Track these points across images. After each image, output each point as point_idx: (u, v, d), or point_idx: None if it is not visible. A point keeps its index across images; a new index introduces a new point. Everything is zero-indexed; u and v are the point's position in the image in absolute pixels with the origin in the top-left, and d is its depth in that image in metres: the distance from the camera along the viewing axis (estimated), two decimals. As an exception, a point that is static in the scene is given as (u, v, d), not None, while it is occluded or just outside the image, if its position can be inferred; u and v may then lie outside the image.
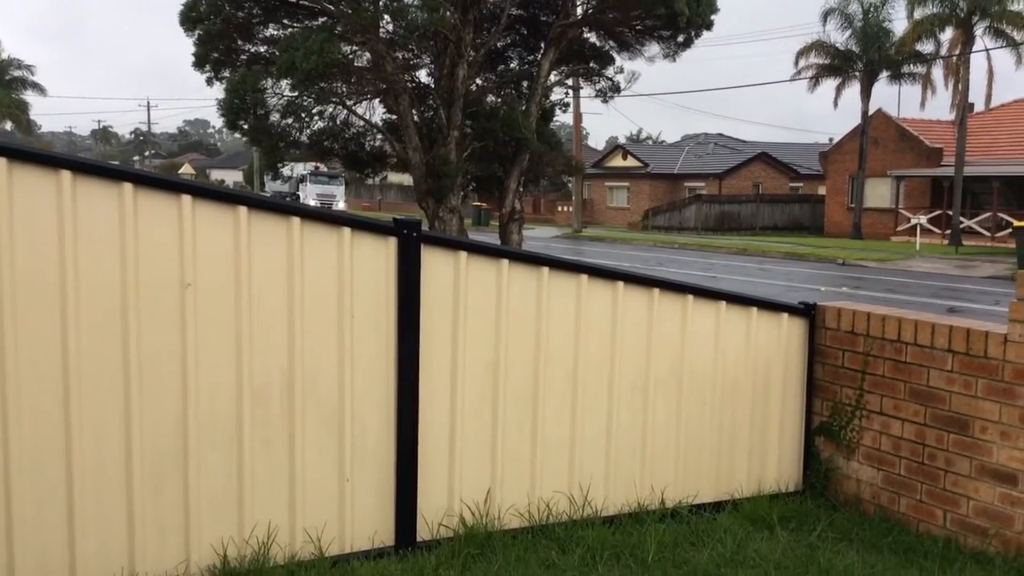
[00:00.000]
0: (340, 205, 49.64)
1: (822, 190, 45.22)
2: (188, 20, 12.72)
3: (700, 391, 4.97)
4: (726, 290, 5.12)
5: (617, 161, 55.42)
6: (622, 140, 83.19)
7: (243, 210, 3.77)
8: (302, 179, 48.19)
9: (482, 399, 4.36)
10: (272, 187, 57.17)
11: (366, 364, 4.07)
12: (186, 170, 30.55)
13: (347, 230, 3.98)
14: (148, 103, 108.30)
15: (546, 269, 4.47)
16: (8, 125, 62.86)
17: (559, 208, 51.45)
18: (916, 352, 4.70)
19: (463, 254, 4.25)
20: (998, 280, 22.23)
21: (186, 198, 3.67)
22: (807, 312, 5.24)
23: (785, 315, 5.20)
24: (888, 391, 4.86)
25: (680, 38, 14.93)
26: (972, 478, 4.45)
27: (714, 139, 57.37)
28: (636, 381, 4.78)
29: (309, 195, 48.54)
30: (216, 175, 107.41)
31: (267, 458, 3.90)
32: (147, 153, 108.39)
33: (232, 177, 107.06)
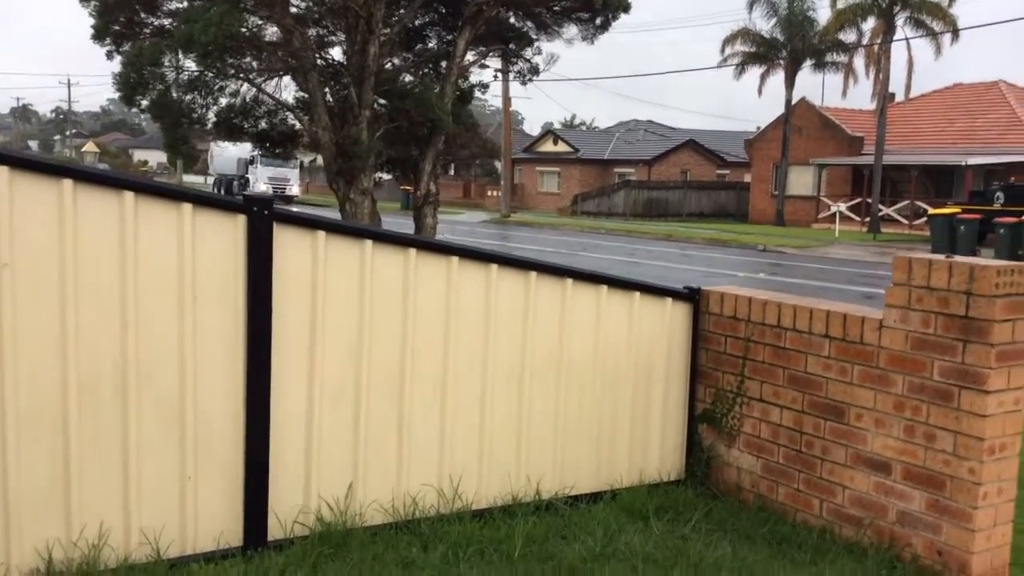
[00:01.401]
0: (294, 190, 47.40)
1: (748, 178, 45.79)
2: (83, -11, 12.15)
3: (580, 379, 4.80)
4: (608, 274, 4.96)
5: (548, 146, 55.36)
6: (557, 126, 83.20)
7: (68, 184, 3.46)
8: (251, 160, 45.01)
9: (343, 388, 4.12)
10: (217, 169, 54.46)
11: (212, 352, 3.80)
12: (89, 148, 29.47)
13: (188, 206, 3.69)
14: (68, 80, 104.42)
15: (413, 251, 4.24)
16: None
17: (489, 193, 51.24)
18: (795, 337, 4.60)
19: (321, 234, 3.99)
20: (911, 266, 22.63)
21: (2, 170, 3.34)
22: (691, 297, 5.11)
23: (669, 300, 5.05)
24: (768, 377, 4.75)
25: (598, 20, 14.78)
26: (847, 467, 4.37)
27: (644, 126, 57.66)
28: (512, 368, 4.58)
29: (259, 179, 45.71)
30: (140, 155, 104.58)
31: (98, 454, 3.60)
32: (69, 132, 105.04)
33: (156, 157, 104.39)
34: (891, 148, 36.24)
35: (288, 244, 3.92)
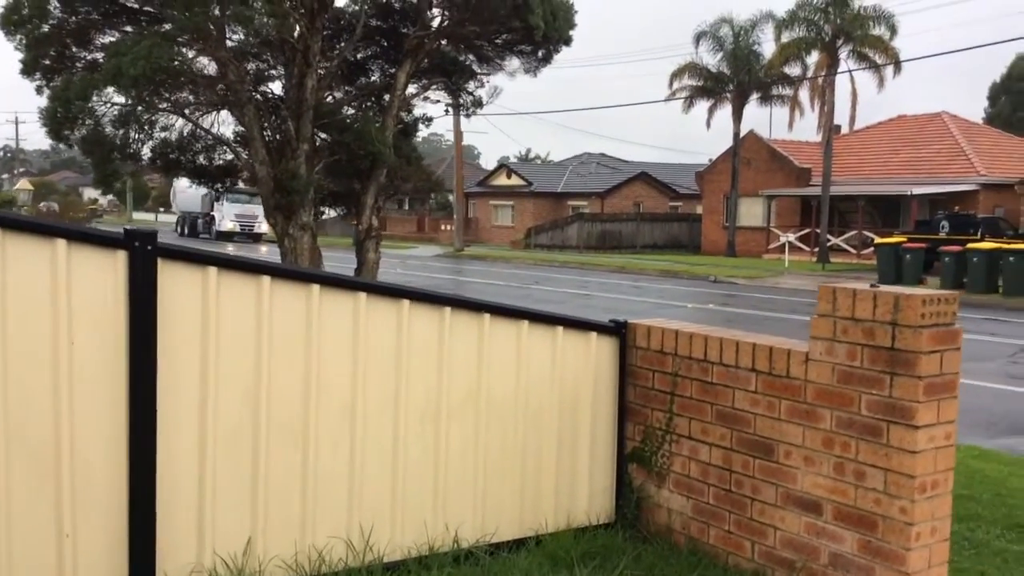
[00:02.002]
0: (263, 228, 43.86)
1: (700, 209, 46.14)
2: (9, 23, 11.75)
3: (501, 419, 4.56)
4: (528, 308, 4.75)
5: (502, 180, 55.41)
6: (513, 160, 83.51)
7: (-77, 219, 3.17)
8: (217, 198, 42.37)
9: (239, 434, 3.84)
10: (181, 207, 52.49)
11: (90, 399, 3.50)
12: (22, 186, 28.87)
13: (62, 243, 3.41)
14: (16, 118, 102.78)
15: (316, 287, 3.99)
16: None
17: (443, 227, 51.06)
18: (722, 372, 4.41)
19: (212, 270, 3.73)
20: (859, 295, 22.78)
21: None
22: (618, 330, 4.91)
23: (594, 334, 4.85)
24: (696, 413, 4.56)
25: (540, 53, 14.66)
26: (778, 507, 4.17)
27: (596, 159, 58.02)
28: (426, 409, 4.33)
29: (225, 216, 43.37)
30: (89, 193, 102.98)
31: (-41, 513, 3.28)
32: (17, 171, 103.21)
33: (106, 196, 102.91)
34: (838, 179, 36.74)
35: (175, 281, 3.65)
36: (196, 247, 3.81)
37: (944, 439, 3.72)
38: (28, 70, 13.10)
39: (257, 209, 42.68)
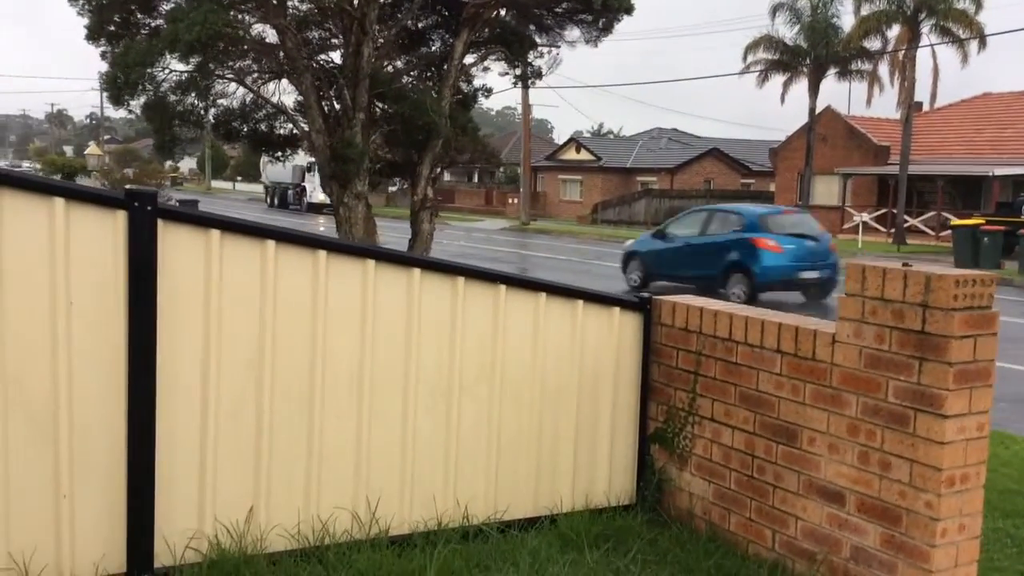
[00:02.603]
0: (320, 197, 44.35)
1: (773, 187, 45.11)
2: (72, -12, 11.95)
3: (517, 394, 4.44)
4: (547, 280, 4.59)
5: (571, 154, 54.97)
6: (586, 135, 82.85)
7: (-79, 176, 3.16)
8: (309, 168, 41.92)
9: (243, 400, 3.79)
10: (271, 177, 52.47)
11: (89, 360, 3.47)
12: (93, 151, 29.81)
13: (60, 201, 3.38)
14: (101, 85, 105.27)
15: (323, 253, 3.90)
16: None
17: (510, 200, 50.87)
18: (746, 352, 4.21)
19: (215, 233, 3.66)
20: (932, 278, 21.97)
21: None
22: (642, 306, 4.73)
23: (617, 309, 4.68)
24: (719, 395, 4.36)
25: (600, 22, 14.38)
26: (800, 495, 3.97)
27: (668, 134, 57.16)
28: (438, 382, 4.23)
29: (317, 187, 43.12)
30: (169, 161, 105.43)
31: (-45, 470, 3.29)
32: (105, 138, 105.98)
33: (188, 164, 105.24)
34: (917, 158, 35.49)
35: (176, 244, 3.59)
36: (199, 210, 3.75)
37: (976, 430, 3.47)
38: (93, 35, 13.32)
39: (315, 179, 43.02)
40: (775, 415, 4.07)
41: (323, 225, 24.09)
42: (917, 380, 3.47)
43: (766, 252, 15.62)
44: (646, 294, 4.79)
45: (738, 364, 4.25)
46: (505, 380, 4.38)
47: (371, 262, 4.01)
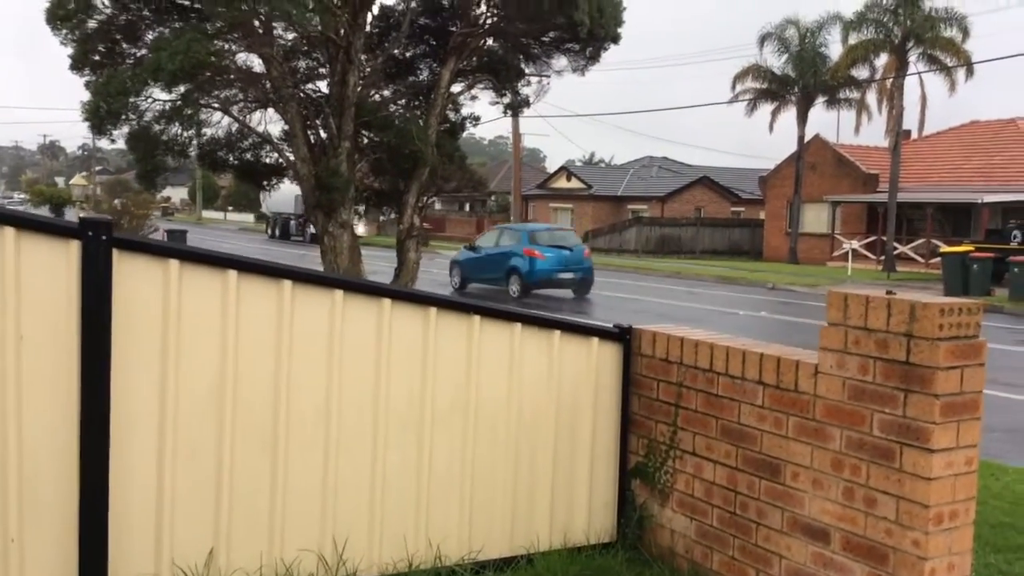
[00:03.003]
0: (360, 230, 42.44)
1: (763, 215, 45.19)
2: (55, 17, 11.86)
3: (491, 428, 4.29)
4: (522, 311, 4.46)
5: (562, 182, 55.04)
6: (578, 164, 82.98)
7: None
8: None
9: (202, 437, 3.63)
10: (272, 207, 51.46)
11: (39, 397, 3.32)
12: (77, 182, 29.78)
13: (10, 231, 3.24)
14: (83, 115, 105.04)
15: (288, 283, 3.77)
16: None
17: (501, 229, 50.78)
18: (727, 384, 4.07)
19: (174, 263, 3.53)
20: (923, 306, 21.92)
21: None
22: (621, 337, 4.60)
23: (595, 340, 4.55)
24: (701, 428, 4.22)
25: (588, 51, 14.38)
26: (784, 533, 3.82)
27: (659, 162, 57.25)
28: (409, 416, 4.08)
29: None
30: (164, 191, 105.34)
31: None
32: (96, 168, 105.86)
33: (179, 194, 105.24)
34: (907, 185, 35.60)
35: (133, 274, 3.45)
36: (156, 240, 3.62)
37: (964, 465, 3.34)
38: (77, 65, 13.25)
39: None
40: (758, 449, 3.93)
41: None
42: (903, 413, 3.34)
43: (533, 259, 21.28)
44: (626, 324, 4.66)
45: (719, 396, 4.12)
46: (479, 413, 4.24)
47: (339, 292, 3.87)
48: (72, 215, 29.48)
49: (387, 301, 3.99)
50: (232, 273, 3.64)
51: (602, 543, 4.55)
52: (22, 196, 72.62)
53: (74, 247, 3.34)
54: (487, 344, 4.24)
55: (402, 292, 4.13)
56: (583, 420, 4.53)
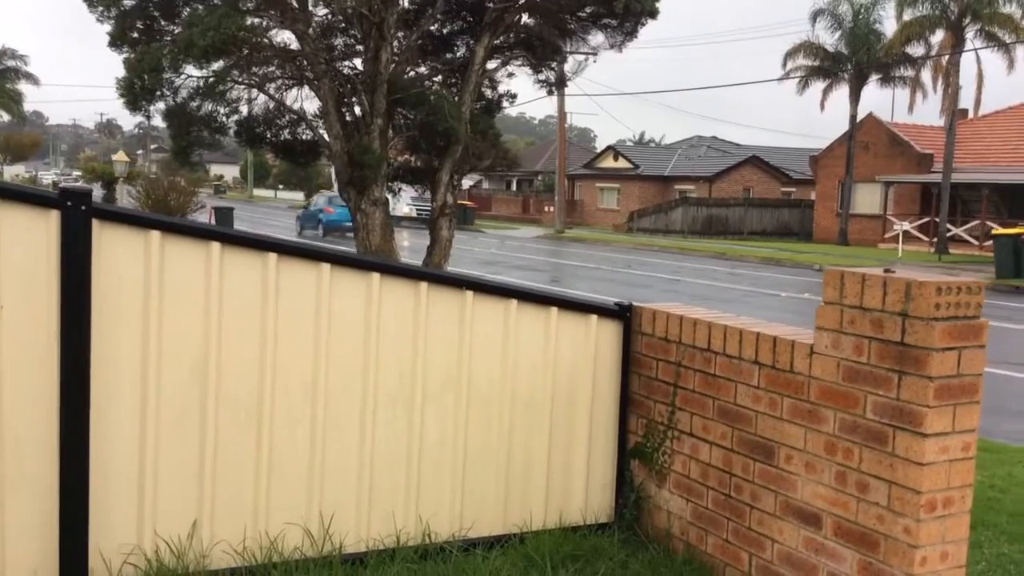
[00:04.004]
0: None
1: (814, 195, 44.40)
2: (91, -6, 11.96)
3: (485, 405, 4.23)
4: (519, 286, 4.39)
5: (608, 162, 54.65)
6: (629, 143, 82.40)
7: None
8: None
9: (186, 410, 3.62)
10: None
11: (19, 367, 3.33)
12: (119, 158, 30.15)
13: (-12, 201, 3.24)
14: (118, 91, 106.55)
15: (273, 256, 3.73)
16: (3, 115, 62.65)
17: (546, 208, 50.64)
18: (725, 363, 3.96)
19: (155, 234, 3.51)
20: (973, 289, 21.35)
21: None
22: (622, 314, 4.50)
23: (594, 317, 4.45)
24: (698, 408, 4.12)
25: (626, 27, 14.13)
26: (777, 517, 3.71)
27: (707, 142, 56.55)
28: (400, 392, 4.03)
29: (402, 201, 40.48)
30: (216, 170, 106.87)
31: None
32: (152, 147, 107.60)
33: (231, 172, 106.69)
34: (962, 166, 34.68)
35: (114, 245, 3.44)
36: (138, 211, 3.60)
37: (961, 450, 3.19)
38: (115, 42, 13.35)
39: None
40: (753, 431, 3.81)
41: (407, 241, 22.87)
42: (896, 395, 3.20)
43: (328, 214, 33.99)
44: (626, 302, 4.55)
45: (716, 376, 4.00)
46: (472, 390, 4.18)
47: (326, 266, 3.83)
48: (121, 192, 29.90)
49: (376, 276, 3.93)
50: (215, 245, 3.61)
51: (599, 523, 4.48)
52: (77, 173, 74.30)
53: (54, 217, 3.33)
54: (480, 320, 4.17)
55: (392, 266, 4.08)
56: (581, 399, 4.45)
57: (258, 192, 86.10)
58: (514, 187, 65.98)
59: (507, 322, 4.23)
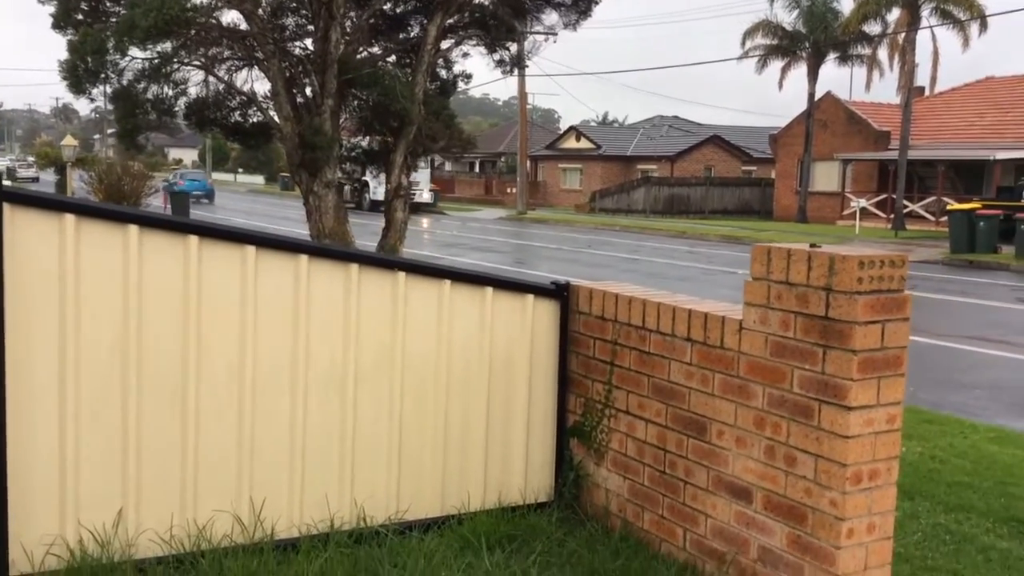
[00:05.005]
0: (425, 196, 40.93)
1: (774, 174, 44.70)
2: (33, -25, 11.69)
3: (420, 386, 4.18)
4: (453, 267, 4.33)
5: (571, 143, 54.64)
6: (593, 124, 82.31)
7: None
8: None
9: (107, 395, 3.54)
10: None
11: (-71, 355, 3.23)
12: (67, 142, 29.50)
13: None
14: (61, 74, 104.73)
15: (195, 238, 3.64)
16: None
17: (508, 190, 50.58)
18: (659, 341, 3.94)
19: (69, 218, 3.41)
20: (926, 265, 21.70)
21: None
22: (558, 293, 4.46)
23: (531, 297, 4.41)
24: (634, 386, 4.10)
25: (579, 5, 14.08)
26: (710, 492, 3.71)
27: (669, 121, 56.74)
28: (331, 374, 3.97)
29: (383, 185, 38.38)
30: (175, 153, 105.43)
31: None
32: (110, 131, 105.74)
33: (190, 156, 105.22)
34: (918, 143, 35.07)
35: (26, 229, 3.34)
36: (50, 194, 3.50)
37: (886, 423, 3.20)
38: (59, 24, 13.03)
39: (418, 175, 37.09)
40: (686, 407, 3.81)
41: (427, 228, 21.46)
42: (821, 369, 3.20)
43: (179, 185, 41.63)
44: (563, 280, 4.52)
45: (651, 353, 3.99)
46: (407, 371, 4.13)
47: (251, 248, 3.75)
48: (72, 177, 29.35)
49: (304, 258, 3.86)
50: (133, 228, 3.51)
51: (539, 503, 4.45)
52: (32, 159, 72.95)
53: (-39, 200, 3.23)
54: (414, 301, 4.11)
55: (321, 248, 4.01)
56: (519, 379, 4.41)
57: (217, 176, 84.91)
58: (477, 169, 65.76)
59: (441, 303, 4.18)
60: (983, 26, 31.39)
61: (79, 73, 11.44)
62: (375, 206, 39.92)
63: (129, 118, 12.41)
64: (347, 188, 47.04)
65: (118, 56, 11.68)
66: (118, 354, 3.53)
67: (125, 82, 12.55)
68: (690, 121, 57.40)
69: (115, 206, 3.61)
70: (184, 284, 3.63)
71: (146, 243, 3.54)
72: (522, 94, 41.50)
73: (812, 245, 3.31)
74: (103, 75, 11.89)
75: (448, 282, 4.20)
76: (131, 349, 3.55)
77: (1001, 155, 32.43)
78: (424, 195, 40.87)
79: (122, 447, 3.58)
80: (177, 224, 3.64)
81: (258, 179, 76.55)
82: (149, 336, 3.58)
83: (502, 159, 61.74)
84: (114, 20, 13.27)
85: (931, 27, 32.19)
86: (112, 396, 3.54)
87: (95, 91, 12.33)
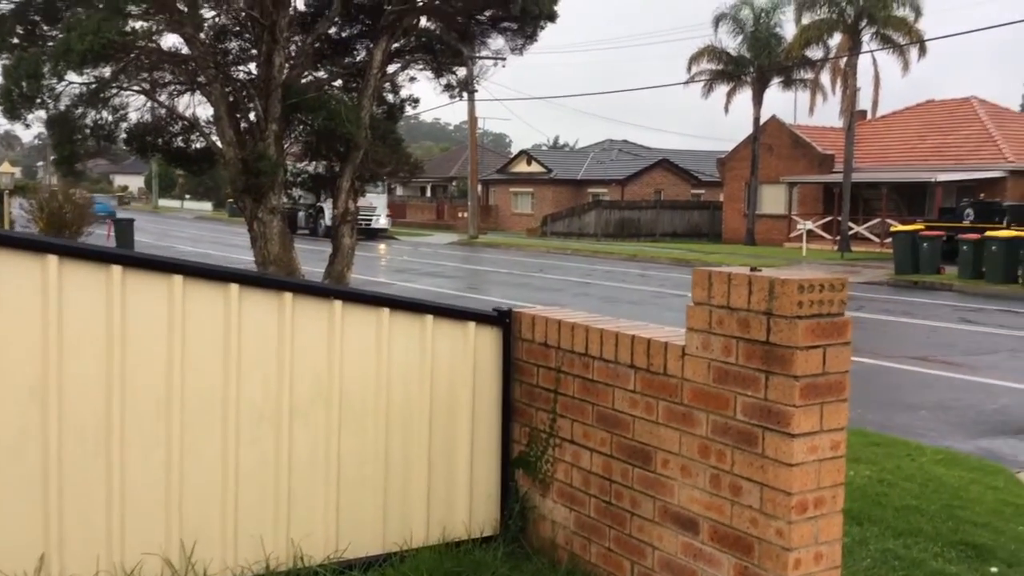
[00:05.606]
0: (382, 222, 40.68)
1: (722, 197, 45.21)
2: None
3: (359, 419, 4.05)
4: (391, 295, 4.22)
5: (522, 167, 54.80)
6: (544, 148, 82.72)
7: None
8: None
9: (25, 437, 3.36)
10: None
11: None
12: (5, 169, 28.57)
13: None
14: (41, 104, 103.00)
15: (118, 268, 3.49)
16: None
17: (460, 215, 50.51)
18: (602, 368, 3.86)
19: (-18, 249, 3.25)
20: (871, 286, 22.02)
21: None
22: (500, 321, 4.37)
23: (472, 324, 4.31)
24: (578, 415, 4.02)
25: (526, 30, 14.10)
26: (656, 523, 3.62)
27: (619, 145, 57.24)
28: (265, 409, 3.83)
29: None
30: (120, 180, 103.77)
31: None
32: (52, 158, 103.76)
33: (136, 182, 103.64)
34: (862, 165, 35.75)
35: (-65, 261, 3.17)
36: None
37: (831, 449, 3.15)
38: (-7, 50, 12.73)
39: (375, 200, 37.23)
40: (631, 436, 3.73)
41: (384, 253, 20.79)
42: (764, 396, 3.14)
43: (100, 204, 39.98)
44: (505, 307, 4.43)
45: (595, 381, 3.91)
46: (344, 404, 4.00)
47: (178, 278, 3.61)
48: (10, 206, 28.60)
49: (235, 287, 3.73)
50: (52, 259, 3.36)
51: (484, 537, 4.34)
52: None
53: None
54: (351, 330, 3.99)
55: (252, 276, 3.88)
56: (461, 409, 4.31)
57: (164, 203, 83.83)
58: (429, 193, 65.68)
59: (379, 332, 4.06)
60: (922, 51, 32.15)
61: (13, 98, 11.17)
62: (330, 232, 39.65)
63: (67, 144, 12.12)
64: (301, 214, 47.09)
65: (54, 81, 11.43)
66: (37, 391, 3.36)
67: (62, 107, 12.29)
68: (640, 145, 57.97)
69: (33, 236, 3.45)
70: (107, 316, 3.47)
71: (66, 275, 3.38)
72: (472, 118, 41.55)
73: (753, 269, 3.26)
74: (39, 100, 11.61)
75: (387, 310, 4.08)
76: (51, 386, 3.38)
77: (942, 177, 33.17)
78: (381, 220, 40.86)
79: (43, 488, 3.40)
80: (99, 254, 3.48)
81: (206, 206, 75.62)
82: (70, 373, 3.41)
83: (453, 183, 61.77)
84: (50, 44, 13.01)
85: (872, 51, 32.91)
86: (30, 435, 3.36)
87: (31, 116, 12.00)
